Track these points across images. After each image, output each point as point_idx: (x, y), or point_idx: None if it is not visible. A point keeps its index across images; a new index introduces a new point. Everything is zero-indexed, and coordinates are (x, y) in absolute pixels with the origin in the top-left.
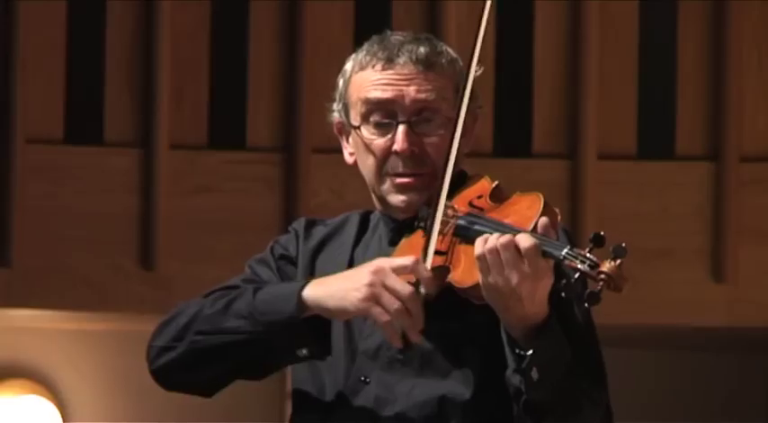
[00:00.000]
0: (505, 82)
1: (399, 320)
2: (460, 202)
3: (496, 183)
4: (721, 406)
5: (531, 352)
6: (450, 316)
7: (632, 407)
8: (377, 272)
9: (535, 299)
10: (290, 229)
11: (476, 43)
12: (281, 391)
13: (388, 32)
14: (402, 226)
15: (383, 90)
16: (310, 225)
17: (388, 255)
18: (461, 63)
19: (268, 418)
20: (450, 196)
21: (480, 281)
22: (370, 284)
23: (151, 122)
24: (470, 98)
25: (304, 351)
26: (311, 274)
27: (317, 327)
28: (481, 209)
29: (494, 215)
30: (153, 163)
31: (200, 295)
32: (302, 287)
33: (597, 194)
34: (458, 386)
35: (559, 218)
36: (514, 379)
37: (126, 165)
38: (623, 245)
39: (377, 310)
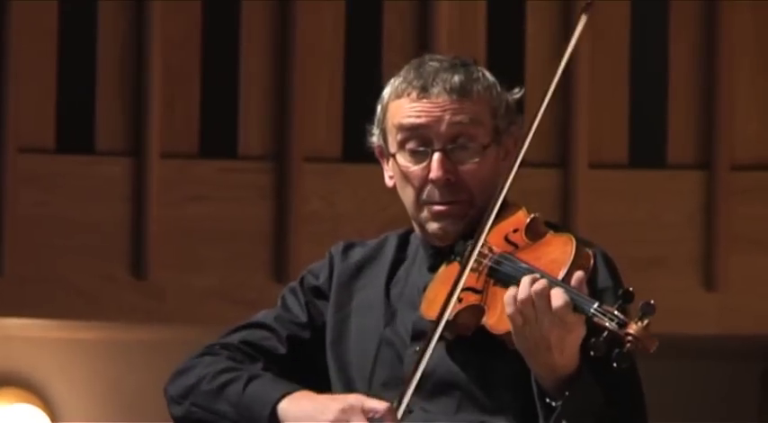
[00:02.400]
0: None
1: None
2: (496, 238)
3: (533, 216)
4: (712, 414)
5: (559, 403)
6: (488, 353)
7: None
8: (346, 410)
9: (565, 349)
10: (327, 253)
11: (561, 64)
12: None
13: (427, 57)
14: (441, 252)
15: (416, 118)
16: (348, 248)
17: (427, 282)
18: (499, 88)
19: None
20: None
21: (511, 327)
22: (335, 421)
23: (142, 131)
24: (511, 120)
25: None
26: (348, 300)
27: None
28: (516, 246)
29: (527, 257)
30: (144, 172)
31: (224, 331)
32: (281, 398)
33: (589, 203)
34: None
35: (592, 262)
36: None
37: (117, 173)
38: (652, 302)
39: None
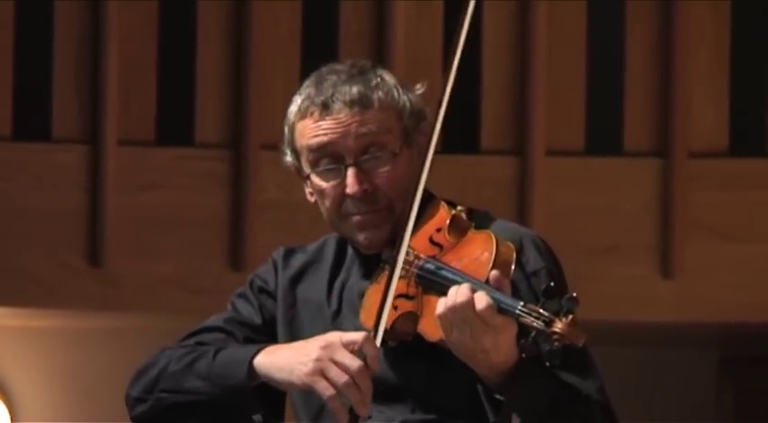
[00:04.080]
0: (454, 78)
1: (347, 394)
2: (421, 241)
3: (454, 212)
4: (669, 401)
5: (506, 398)
6: (434, 355)
7: None
8: (326, 346)
9: (500, 349)
10: (269, 259)
11: (452, 61)
12: None
13: (324, 70)
14: (371, 260)
15: (323, 137)
16: (289, 254)
17: (364, 288)
18: (400, 89)
19: None
20: (412, 230)
21: (444, 338)
22: (318, 359)
23: (99, 119)
24: (418, 118)
25: (259, 417)
26: (293, 304)
27: (273, 391)
28: (440, 246)
29: (451, 259)
30: (101, 159)
31: (179, 339)
32: (255, 353)
33: (545, 191)
34: (455, 419)
35: (514, 255)
36: None
37: (74, 161)
38: (574, 295)
39: (322, 385)
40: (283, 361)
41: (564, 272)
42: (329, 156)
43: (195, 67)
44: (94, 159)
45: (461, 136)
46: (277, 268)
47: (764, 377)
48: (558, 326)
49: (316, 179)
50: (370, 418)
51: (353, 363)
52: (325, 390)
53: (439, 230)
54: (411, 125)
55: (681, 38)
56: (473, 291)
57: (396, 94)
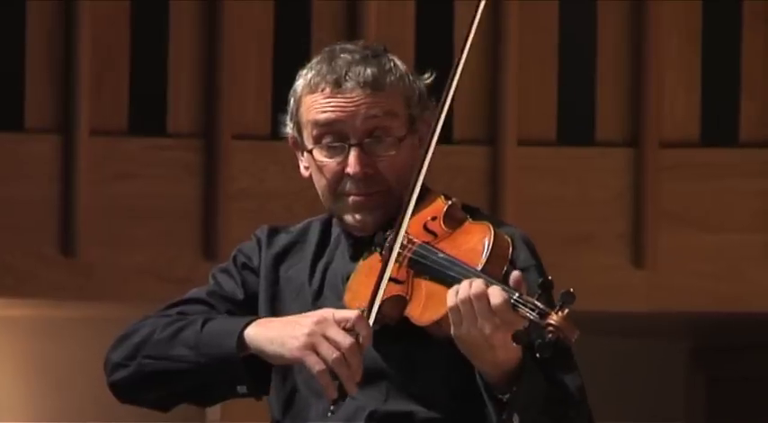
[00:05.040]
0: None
1: (337, 371)
2: (415, 227)
3: (450, 203)
4: (640, 391)
5: (507, 396)
6: (413, 341)
7: None
8: (319, 322)
9: (508, 347)
10: (252, 236)
11: (461, 56)
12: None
13: (338, 48)
14: (361, 242)
15: (332, 113)
16: (273, 233)
17: (350, 271)
18: (411, 77)
19: (188, 416)
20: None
21: (452, 332)
22: (310, 334)
23: (71, 109)
24: (424, 106)
25: (243, 388)
26: (275, 282)
27: (258, 364)
28: (435, 234)
29: (446, 246)
30: (73, 149)
31: (160, 308)
32: (247, 325)
33: (517, 180)
34: (425, 409)
35: (510, 248)
36: None
37: (46, 151)
38: (571, 291)
39: (312, 359)
40: (275, 334)
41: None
42: (334, 133)
43: (167, 57)
44: (67, 149)
45: None
46: (261, 246)
47: (736, 367)
48: (554, 319)
49: (317, 154)
50: (344, 400)
51: (345, 339)
52: (315, 364)
53: (434, 219)
54: (416, 113)
55: (652, 28)
56: (487, 285)
57: (407, 80)
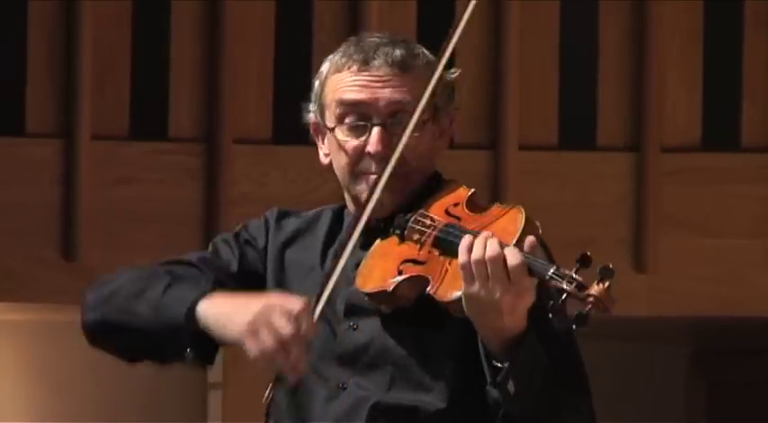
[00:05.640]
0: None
1: (275, 358)
2: (437, 210)
3: (473, 190)
4: (641, 395)
5: (507, 364)
6: (425, 326)
7: None
8: (265, 306)
9: (515, 313)
10: (261, 216)
11: (449, 42)
12: (202, 387)
13: (365, 34)
14: (372, 230)
15: (358, 92)
16: (282, 216)
17: (360, 259)
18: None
19: (190, 415)
20: (425, 204)
21: (462, 290)
22: (253, 319)
23: (72, 113)
24: (448, 99)
25: (190, 353)
26: (281, 266)
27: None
28: (458, 218)
29: (474, 226)
30: (74, 153)
31: (155, 262)
32: (200, 298)
33: (518, 185)
34: (431, 399)
35: (540, 231)
36: (492, 392)
37: (47, 155)
38: (610, 266)
39: (251, 344)
40: (221, 314)
41: None
42: (358, 112)
43: (169, 62)
44: (68, 153)
45: None
46: (269, 228)
47: (736, 372)
48: (594, 289)
49: (339, 133)
50: (345, 389)
51: (285, 328)
52: (251, 349)
53: (456, 205)
54: (441, 104)
55: (654, 32)
56: (503, 246)
57: (434, 67)
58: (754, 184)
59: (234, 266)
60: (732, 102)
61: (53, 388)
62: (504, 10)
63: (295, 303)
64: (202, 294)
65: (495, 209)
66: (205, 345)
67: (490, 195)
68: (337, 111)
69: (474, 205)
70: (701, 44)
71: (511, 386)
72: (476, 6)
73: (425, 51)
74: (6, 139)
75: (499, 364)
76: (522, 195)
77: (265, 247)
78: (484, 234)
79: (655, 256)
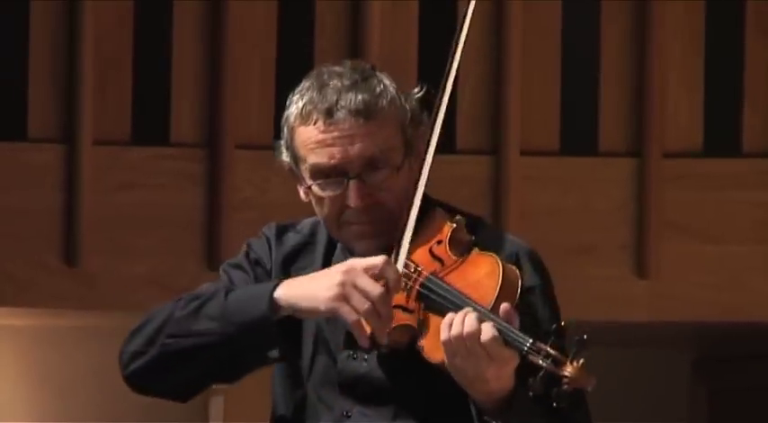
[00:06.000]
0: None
1: (369, 320)
2: (421, 253)
3: (454, 225)
4: (643, 401)
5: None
6: (425, 365)
7: None
8: (348, 271)
9: (501, 380)
10: (261, 234)
11: (451, 68)
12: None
13: (325, 73)
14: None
15: (329, 155)
16: (281, 232)
17: None
18: (402, 97)
19: (192, 418)
20: (411, 242)
21: (446, 363)
22: (341, 284)
23: (74, 118)
24: (417, 123)
25: (275, 352)
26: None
27: (288, 330)
28: (441, 261)
29: (455, 279)
30: (76, 159)
31: (171, 301)
32: (275, 287)
33: (520, 190)
34: None
35: (520, 281)
36: None
37: (49, 160)
38: (585, 337)
39: (346, 309)
40: (305, 289)
41: (554, 287)
42: (331, 170)
43: (171, 67)
44: (70, 158)
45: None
46: (271, 245)
47: (738, 378)
48: (569, 370)
49: (317, 190)
50: (349, 417)
51: (375, 289)
52: (348, 314)
53: (440, 243)
54: (411, 134)
55: (655, 38)
56: (480, 321)
57: (398, 102)
58: (756, 190)
59: None
60: (734, 107)
61: (54, 393)
62: (507, 16)
63: (376, 261)
64: (274, 284)
65: (475, 255)
66: (285, 338)
67: (492, 201)
68: (311, 170)
69: (457, 243)
70: (702, 50)
71: None
72: (478, 11)
73: (386, 83)
74: (8, 143)
75: (490, 421)
76: (523, 201)
77: (269, 261)
78: (463, 311)
79: (656, 262)
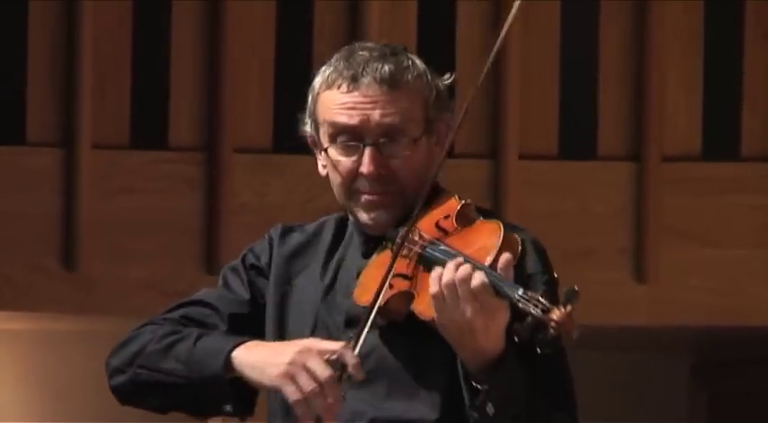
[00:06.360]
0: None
1: (313, 403)
2: (427, 224)
3: (463, 202)
4: (642, 406)
5: (485, 386)
6: (419, 338)
7: None
8: (301, 351)
9: (490, 333)
10: (265, 235)
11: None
12: None
13: (357, 46)
14: (373, 239)
15: (349, 115)
16: (286, 232)
17: (361, 268)
18: (429, 76)
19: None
20: (418, 217)
21: (435, 317)
22: (291, 363)
23: (73, 122)
24: (442, 107)
25: (228, 407)
26: (287, 281)
27: (246, 385)
28: (446, 232)
29: (456, 243)
30: (75, 163)
31: (168, 307)
32: (235, 346)
33: (519, 194)
34: (424, 409)
35: (519, 248)
36: (471, 414)
37: (48, 164)
38: (575, 288)
39: (290, 389)
40: (257, 359)
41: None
42: (349, 133)
43: (169, 70)
44: (69, 163)
45: None
46: (272, 245)
47: (737, 382)
48: (556, 314)
49: (332, 152)
50: (344, 399)
51: (325, 371)
52: (291, 394)
53: (447, 217)
54: (434, 114)
55: (654, 42)
56: (473, 269)
57: (425, 79)
58: (755, 194)
59: (245, 294)
60: (733, 111)
61: (53, 397)
62: (505, 18)
63: (333, 346)
64: (237, 343)
65: (479, 223)
66: (243, 395)
67: (490, 205)
68: (329, 131)
69: (463, 218)
70: (701, 54)
71: (490, 408)
72: (476, 14)
73: (416, 61)
74: (7, 147)
75: (478, 386)
76: (522, 205)
77: (269, 263)
78: (455, 260)
79: (655, 266)
